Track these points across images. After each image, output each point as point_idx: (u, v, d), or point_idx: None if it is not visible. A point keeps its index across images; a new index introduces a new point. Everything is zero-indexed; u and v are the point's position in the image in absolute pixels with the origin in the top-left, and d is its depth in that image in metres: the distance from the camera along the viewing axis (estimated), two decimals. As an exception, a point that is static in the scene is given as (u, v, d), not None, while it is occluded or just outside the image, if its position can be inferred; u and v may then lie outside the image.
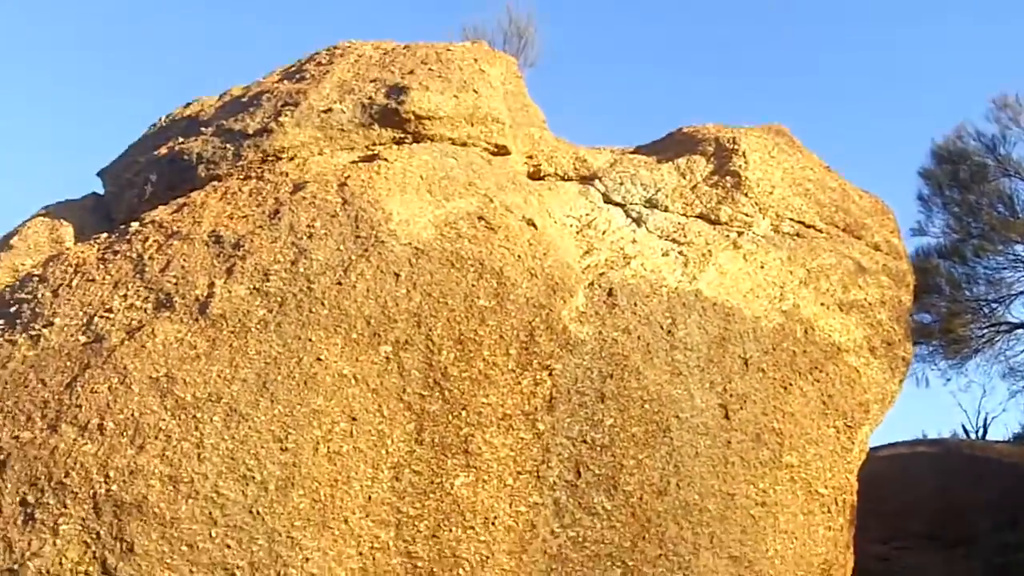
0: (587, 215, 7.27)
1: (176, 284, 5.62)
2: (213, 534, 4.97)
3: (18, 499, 4.94)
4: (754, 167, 7.78)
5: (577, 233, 7.05)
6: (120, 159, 7.61)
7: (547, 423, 5.83)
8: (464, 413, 5.59)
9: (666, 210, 7.49)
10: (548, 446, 5.81)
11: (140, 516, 4.90)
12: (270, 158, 6.60)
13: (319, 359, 5.37)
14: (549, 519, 5.75)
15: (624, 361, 6.19)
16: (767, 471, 6.51)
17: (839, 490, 6.98)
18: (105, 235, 6.44)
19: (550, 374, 5.92)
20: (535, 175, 7.61)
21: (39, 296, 5.79)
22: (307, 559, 5.08)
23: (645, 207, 7.48)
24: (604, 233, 7.10)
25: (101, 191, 7.57)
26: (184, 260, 5.75)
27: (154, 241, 5.98)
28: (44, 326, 5.52)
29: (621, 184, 7.64)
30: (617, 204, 7.49)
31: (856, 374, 7.15)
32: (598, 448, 5.95)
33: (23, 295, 5.89)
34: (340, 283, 5.63)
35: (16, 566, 4.87)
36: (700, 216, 7.49)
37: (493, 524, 5.52)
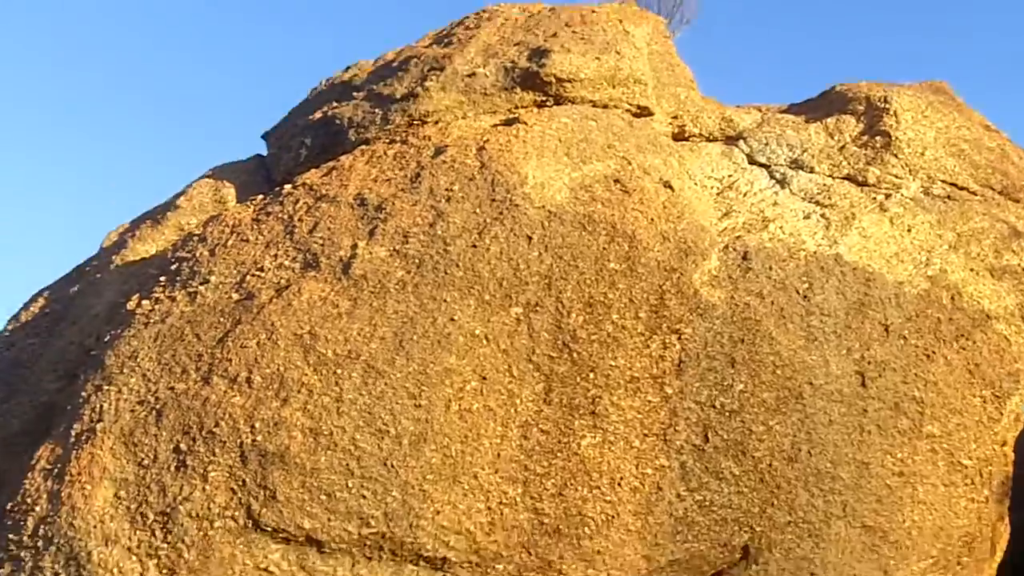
0: (729, 176, 7.27)
1: (322, 245, 5.96)
2: (350, 484, 5.32)
3: (172, 447, 5.41)
4: (905, 127, 7.59)
5: (717, 195, 7.07)
6: (283, 122, 8.06)
7: (675, 387, 5.94)
8: (592, 375, 5.75)
9: (812, 171, 7.40)
10: (676, 410, 5.92)
11: (283, 465, 5.30)
12: (415, 122, 6.87)
13: (453, 319, 5.62)
14: (675, 482, 5.87)
15: (756, 326, 6.21)
16: (906, 441, 6.44)
17: (984, 461, 6.83)
18: (261, 196, 6.86)
19: (679, 338, 6.01)
20: (679, 136, 7.63)
21: (197, 255, 6.24)
22: (438, 512, 5.37)
23: (790, 168, 7.42)
24: (745, 195, 7.10)
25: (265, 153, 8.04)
26: (330, 222, 6.08)
27: (304, 203, 6.34)
28: (201, 283, 5.96)
29: (767, 145, 7.59)
30: (761, 165, 7.45)
31: (1006, 342, 6.95)
32: (727, 413, 6.02)
33: (183, 254, 6.36)
34: (475, 245, 5.85)
35: (169, 509, 5.34)
36: (847, 178, 7.38)
37: (619, 485, 5.69)
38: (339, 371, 5.44)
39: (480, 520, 5.43)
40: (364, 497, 5.32)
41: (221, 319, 5.70)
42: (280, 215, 6.32)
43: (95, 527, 5.36)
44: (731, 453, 5.98)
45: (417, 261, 5.80)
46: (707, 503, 5.91)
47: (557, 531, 5.54)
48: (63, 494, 5.47)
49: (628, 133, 6.89)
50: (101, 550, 5.31)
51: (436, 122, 6.84)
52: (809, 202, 7.10)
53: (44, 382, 6.52)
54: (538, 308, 5.75)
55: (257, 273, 5.91)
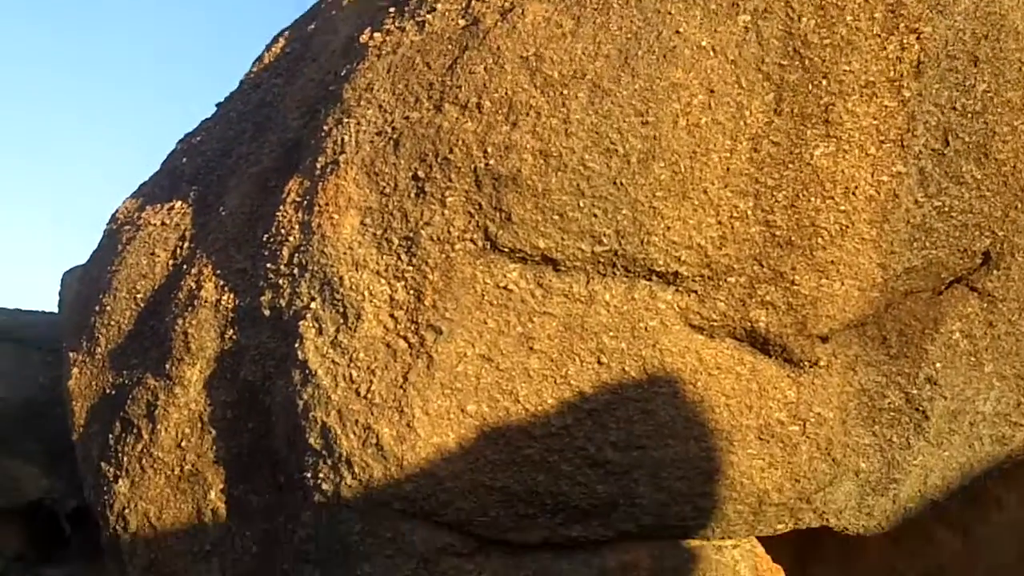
0: None
1: (541, -37, 5.90)
2: (581, 204, 5.53)
3: (410, 174, 5.72)
4: None
5: None
6: None
7: (913, 90, 5.76)
8: (824, 82, 5.64)
9: None
10: (914, 113, 5.77)
11: (515, 188, 5.54)
12: None
13: (678, 32, 5.55)
14: (913, 188, 5.82)
15: (1001, 21, 5.88)
16: None
17: None
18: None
19: (918, 38, 5.77)
20: None
21: (423, -18, 6.31)
22: (668, 227, 5.53)
23: None
24: None
25: None
26: (547, -58, 6.00)
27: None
28: (428, 12, 6.06)
29: None
30: None
31: None
32: (968, 115, 5.84)
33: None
34: (697, -47, 5.69)
35: (411, 234, 5.73)
36: None
37: (853, 194, 5.68)
38: (565, 92, 5.52)
39: (711, 234, 5.57)
40: (595, 216, 5.52)
41: (449, 46, 5.83)
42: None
43: (344, 254, 5.84)
44: (972, 156, 5.85)
45: (638, -27, 5.70)
46: (946, 209, 5.87)
47: (789, 243, 5.64)
48: (313, 224, 5.94)
49: None
50: (352, 275, 5.80)
51: None
52: None
53: (289, 119, 6.93)
54: (767, 14, 5.60)
55: (481, -3, 5.97)
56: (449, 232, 5.65)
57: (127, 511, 6.89)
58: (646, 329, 5.57)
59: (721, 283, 5.63)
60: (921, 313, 6.11)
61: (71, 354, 7.76)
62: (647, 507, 5.74)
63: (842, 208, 5.64)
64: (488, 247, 5.62)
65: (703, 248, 5.55)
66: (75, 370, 7.67)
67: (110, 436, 7.08)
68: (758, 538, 6.25)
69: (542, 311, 5.57)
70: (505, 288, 5.60)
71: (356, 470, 5.66)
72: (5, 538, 13.86)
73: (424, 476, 5.60)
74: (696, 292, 5.63)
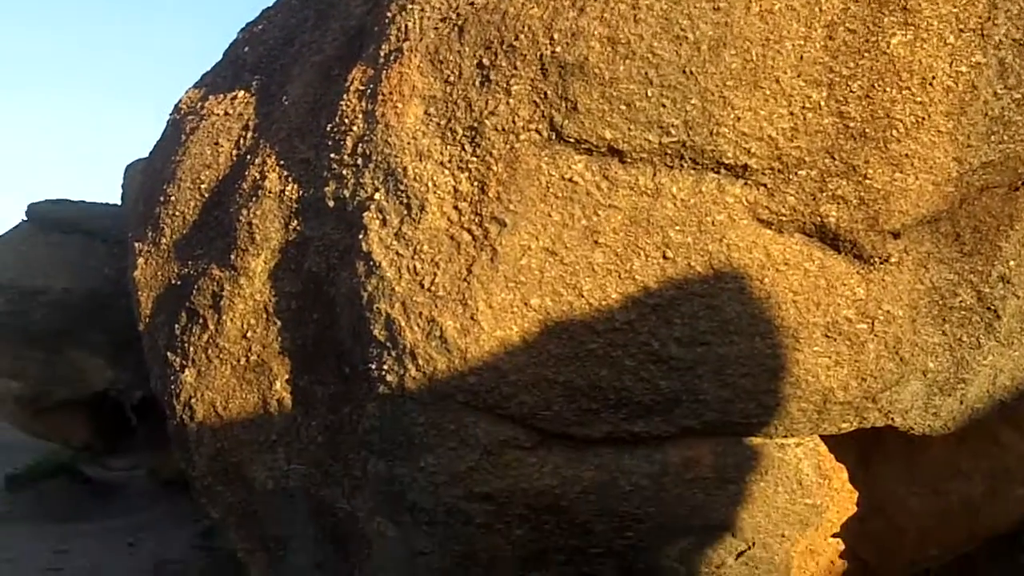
0: None
1: None
2: (649, 94, 5.46)
3: (475, 62, 5.68)
4: None
5: None
6: None
7: (996, -24, 5.57)
8: (903, -34, 5.47)
9: None
10: (995, 2, 5.58)
11: (582, 76, 5.47)
12: None
13: (751, -86, 5.41)
14: (992, 80, 5.65)
15: (1095, -101, 5.64)
16: None
17: None
18: None
19: (1003, -80, 5.56)
20: None
21: None
22: (738, 118, 5.45)
23: None
24: None
25: None
26: None
27: None
28: None
29: None
30: None
31: None
32: (1054, 3, 5.65)
33: None
34: None
35: (476, 124, 5.71)
36: None
37: (930, 84, 5.53)
38: (634, -24, 5.43)
39: (782, 125, 5.48)
40: (663, 106, 5.45)
41: (514, -71, 5.74)
42: None
43: (408, 143, 5.85)
44: (1056, 47, 5.67)
45: None
46: (1027, 101, 5.72)
47: (863, 135, 5.53)
48: (377, 113, 5.94)
49: None
50: (416, 165, 5.82)
51: None
52: None
53: (352, 6, 6.88)
54: (842, -101, 5.43)
55: None
56: (514, 122, 5.62)
57: (193, 401, 7.09)
58: (713, 223, 5.54)
59: (791, 176, 5.55)
60: (996, 209, 6.00)
61: (136, 245, 7.91)
62: (710, 404, 5.77)
63: (918, 99, 5.50)
64: (553, 138, 5.58)
65: (774, 140, 5.46)
66: (140, 260, 7.82)
67: (176, 326, 7.25)
68: (821, 437, 6.27)
69: (607, 204, 5.55)
70: (570, 180, 5.58)
71: (420, 362, 5.76)
72: (72, 429, 14.39)
73: (487, 369, 5.68)
74: (765, 185, 5.57)
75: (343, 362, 6.38)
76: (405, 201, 5.84)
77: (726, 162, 5.52)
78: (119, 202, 14.74)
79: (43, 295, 12.64)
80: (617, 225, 5.53)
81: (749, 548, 6.29)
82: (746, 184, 5.57)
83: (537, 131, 5.61)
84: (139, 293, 7.87)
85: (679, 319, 5.56)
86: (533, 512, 6.05)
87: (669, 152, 5.52)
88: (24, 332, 12.76)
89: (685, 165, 5.56)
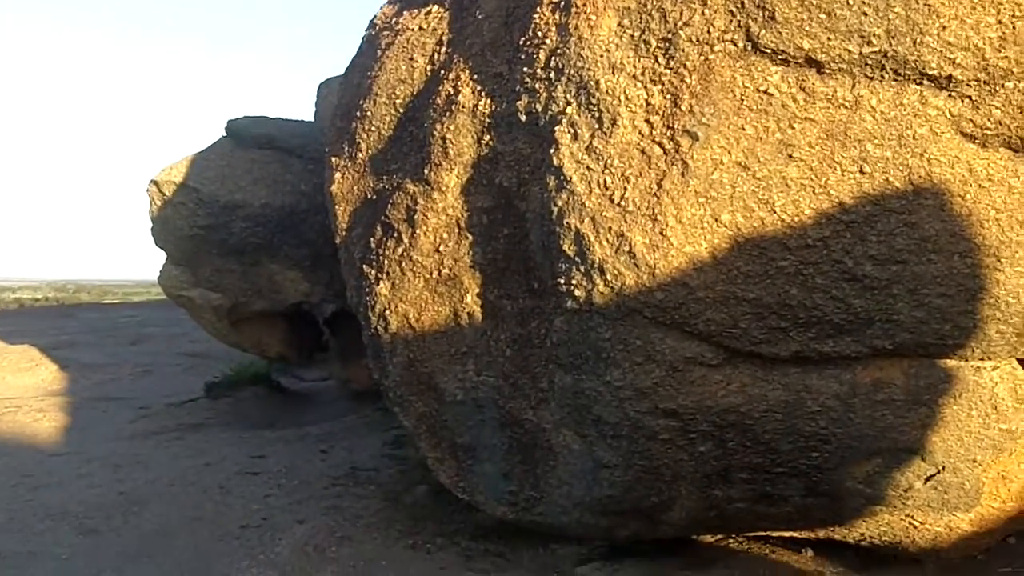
0: None
1: None
2: (850, 1, 5.40)
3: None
4: None
5: None
6: None
7: None
8: None
9: None
10: None
11: (780, -14, 5.53)
12: None
13: None
14: None
15: None
16: None
17: None
18: None
19: None
20: None
21: None
22: (943, 27, 5.34)
23: None
24: None
25: None
26: None
27: None
28: None
29: None
30: None
31: None
32: None
33: None
34: None
35: (670, 35, 5.84)
36: None
37: None
38: None
39: (990, 35, 5.34)
40: (865, 14, 5.42)
41: None
42: None
43: (601, 56, 6.04)
44: None
45: None
46: None
47: (1083, 46, 5.38)
48: (570, 26, 6.14)
49: None
50: (608, 78, 6.01)
51: None
52: None
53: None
54: None
55: None
56: (709, 33, 5.72)
57: (388, 312, 7.55)
58: (914, 137, 5.50)
59: (998, 88, 5.45)
60: None
61: (333, 159, 8.38)
62: (904, 324, 5.78)
63: None
64: (749, 48, 5.65)
65: (980, 50, 5.36)
66: (337, 175, 8.29)
67: (371, 239, 7.71)
68: (1019, 360, 6.20)
69: (803, 117, 5.59)
70: (765, 92, 5.65)
71: (608, 277, 5.99)
72: (267, 340, 15.32)
73: (675, 285, 5.85)
74: (970, 98, 5.49)
75: (532, 277, 6.67)
76: (597, 115, 6.04)
77: (929, 73, 5.46)
78: (312, 119, 15.45)
79: (242, 209, 13.39)
80: (813, 139, 5.57)
81: (939, 472, 6.31)
82: (950, 96, 5.51)
83: (732, 42, 5.69)
84: (336, 207, 8.35)
85: (875, 236, 5.57)
86: (717, 429, 6.23)
87: (869, 63, 5.50)
88: (223, 245, 13.59)
89: (886, 76, 5.53)
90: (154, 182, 13.73)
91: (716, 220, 5.71)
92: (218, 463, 11.37)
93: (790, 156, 5.60)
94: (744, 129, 5.65)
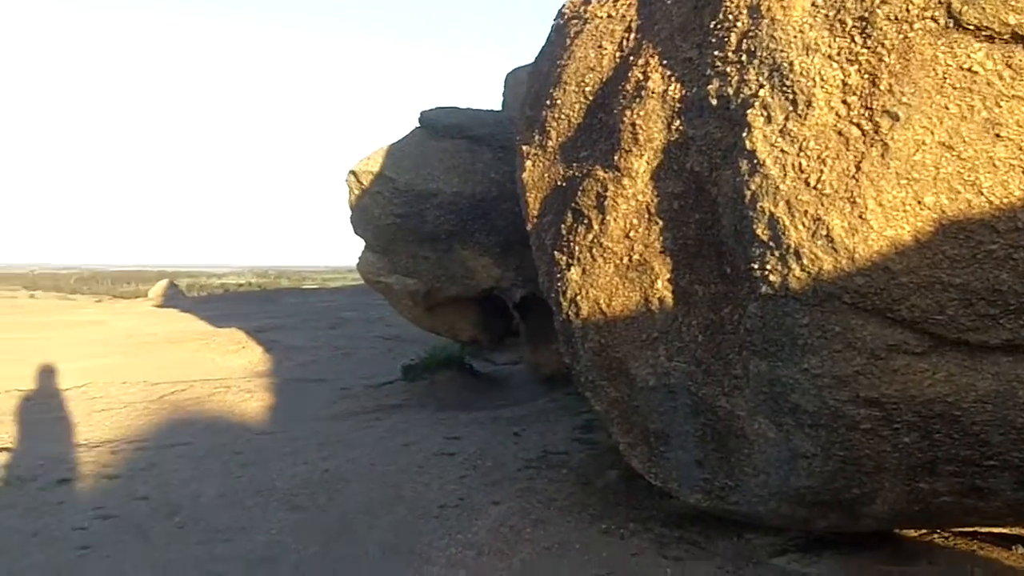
0: None
1: None
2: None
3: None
4: None
5: None
6: None
7: None
8: None
9: None
10: None
11: (984, -44, 5.30)
12: None
13: None
14: None
15: None
16: None
17: None
18: None
19: None
20: None
21: None
22: None
23: None
24: None
25: None
26: None
27: None
28: None
29: None
30: None
31: None
32: None
33: None
34: None
35: (866, 14, 5.66)
36: None
37: None
38: None
39: None
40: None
41: None
42: None
43: (795, 37, 5.91)
44: None
45: None
46: None
47: None
48: (762, 8, 6.04)
49: None
50: (802, 59, 5.88)
51: None
52: None
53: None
54: None
55: None
56: (908, 10, 5.53)
57: (579, 298, 7.61)
58: None
59: None
60: None
61: (524, 147, 8.49)
62: (1126, 309, 5.46)
63: None
64: (951, 25, 5.44)
65: None
66: (528, 163, 8.40)
67: (562, 226, 7.78)
68: None
69: (1010, 94, 5.34)
70: (969, 70, 5.42)
71: (804, 262, 5.87)
72: (460, 324, 15.66)
73: (876, 270, 5.68)
74: None
75: (724, 262, 6.61)
76: (791, 97, 5.93)
77: None
78: (500, 108, 15.68)
79: (435, 197, 13.72)
80: (1021, 117, 5.31)
81: None
82: None
83: (933, 19, 5.49)
84: (527, 194, 8.46)
85: (1092, 218, 5.28)
86: (923, 420, 6.03)
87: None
88: (418, 232, 13.95)
89: (1101, 49, 5.23)
90: (353, 172, 14.21)
91: (919, 203, 5.52)
92: (415, 444, 11.72)
93: (997, 135, 5.36)
94: (947, 108, 5.44)
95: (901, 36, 5.56)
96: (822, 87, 5.80)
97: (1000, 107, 5.36)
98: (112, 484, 10.18)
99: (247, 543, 8.10)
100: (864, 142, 5.66)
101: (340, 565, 7.49)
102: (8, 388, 15.80)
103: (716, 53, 6.39)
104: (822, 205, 5.76)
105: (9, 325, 25.31)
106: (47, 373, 16.93)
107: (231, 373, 17.24)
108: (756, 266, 6.12)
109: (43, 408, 14.60)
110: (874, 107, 5.64)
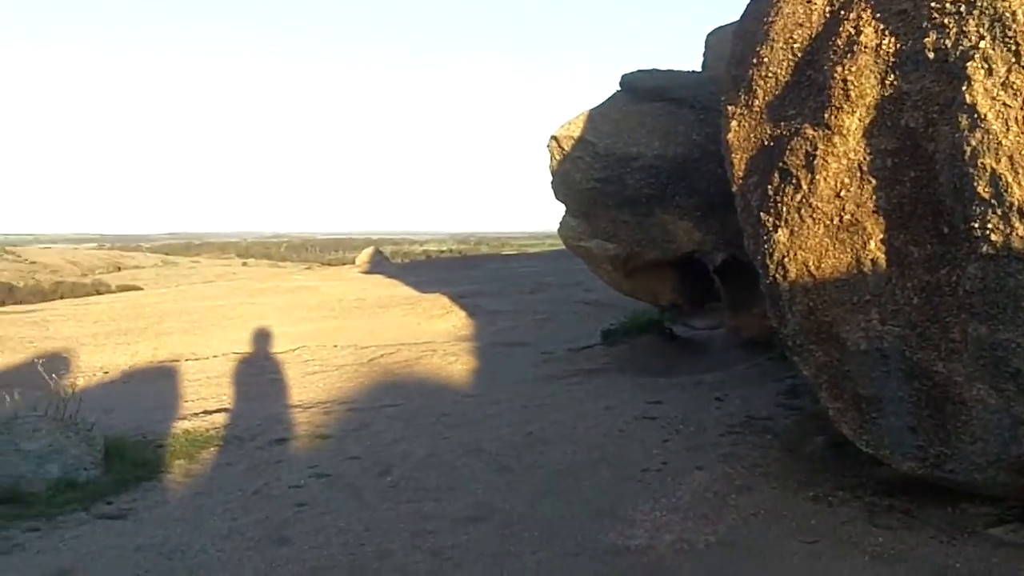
0: None
1: None
2: None
3: None
4: None
5: None
6: None
7: None
8: None
9: None
10: None
11: None
12: None
13: None
14: None
15: None
16: None
17: None
18: None
19: None
20: None
21: None
22: None
23: None
24: None
25: None
26: None
27: None
28: None
29: None
30: None
31: None
32: None
33: None
34: None
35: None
36: None
37: None
38: None
39: None
40: None
41: None
42: None
43: (1021, -15, 5.66)
44: None
45: None
46: None
47: None
48: (985, -45, 5.81)
49: None
50: (1028, 9, 5.63)
51: None
52: None
53: None
54: None
55: None
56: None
57: (786, 260, 7.50)
58: None
59: None
60: None
61: (729, 108, 8.40)
62: None
63: None
64: None
65: None
66: (734, 123, 8.31)
67: (768, 187, 7.67)
68: None
69: None
70: None
71: (1029, 220, 5.65)
72: (660, 288, 15.63)
73: (1107, 227, 5.42)
74: None
75: (941, 221, 6.39)
76: (1013, 48, 5.69)
77: None
78: (700, 69, 15.48)
79: (636, 161, 13.68)
80: None
81: None
82: None
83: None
84: (732, 155, 8.37)
85: None
86: None
87: None
88: (618, 196, 13.95)
89: None
90: (554, 138, 14.33)
91: None
92: (617, 407, 11.79)
93: None
94: None
95: None
96: (1047, 37, 5.54)
97: None
98: (325, 444, 10.67)
99: (455, 502, 8.35)
100: (1094, 93, 5.38)
101: (546, 525, 7.63)
102: (226, 351, 16.73)
103: (933, 5, 6.17)
104: (1049, 161, 5.52)
105: (228, 291, 26.75)
106: (262, 337, 17.84)
107: (436, 337, 17.72)
108: (976, 225, 5.92)
109: (259, 370, 15.40)
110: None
